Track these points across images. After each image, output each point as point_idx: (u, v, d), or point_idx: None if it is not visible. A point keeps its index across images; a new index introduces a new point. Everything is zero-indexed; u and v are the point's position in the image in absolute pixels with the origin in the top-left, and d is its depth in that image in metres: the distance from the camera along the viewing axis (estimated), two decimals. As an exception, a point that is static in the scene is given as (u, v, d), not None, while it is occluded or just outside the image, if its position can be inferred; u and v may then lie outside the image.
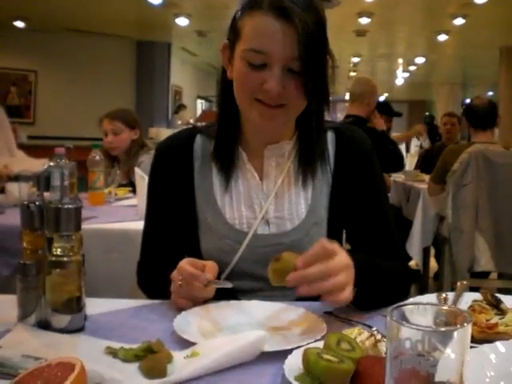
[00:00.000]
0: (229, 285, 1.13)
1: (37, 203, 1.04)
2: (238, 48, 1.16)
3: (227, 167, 1.30)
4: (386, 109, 5.06)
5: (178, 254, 1.24)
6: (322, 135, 1.31)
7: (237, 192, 1.30)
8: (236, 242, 1.26)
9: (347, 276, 1.02)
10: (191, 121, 9.44)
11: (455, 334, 0.54)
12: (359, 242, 1.34)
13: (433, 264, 4.73)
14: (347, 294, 1.01)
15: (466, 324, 0.55)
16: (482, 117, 3.63)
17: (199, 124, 1.44)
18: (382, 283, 1.17)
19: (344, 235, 1.40)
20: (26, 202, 1.04)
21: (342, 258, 1.02)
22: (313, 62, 1.12)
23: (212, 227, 1.28)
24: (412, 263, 4.27)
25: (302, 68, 1.12)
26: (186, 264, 1.11)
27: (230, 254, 1.26)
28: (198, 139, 1.35)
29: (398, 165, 4.17)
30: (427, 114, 16.68)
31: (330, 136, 1.34)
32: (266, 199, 1.29)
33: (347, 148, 1.33)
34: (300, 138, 1.31)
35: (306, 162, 1.29)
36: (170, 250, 1.33)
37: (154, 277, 1.32)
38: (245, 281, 1.27)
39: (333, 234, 1.30)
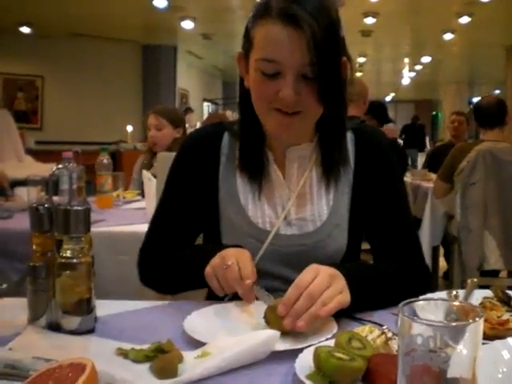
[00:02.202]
0: (269, 300, 1.08)
1: (46, 205, 1.04)
2: (252, 58, 1.17)
3: (254, 169, 1.29)
4: (379, 113, 4.55)
5: (190, 243, 1.36)
6: (342, 137, 1.30)
7: (260, 191, 1.29)
8: (258, 240, 1.26)
9: (333, 286, 1.01)
10: (198, 124, 9.43)
11: (467, 329, 0.54)
12: (378, 243, 1.34)
13: (442, 263, 4.71)
14: (344, 297, 1.02)
15: (477, 319, 0.54)
16: (488, 115, 3.60)
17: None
18: (379, 286, 1.16)
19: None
20: (34, 205, 1.04)
21: (323, 274, 1.02)
22: (325, 67, 1.11)
23: (235, 224, 1.28)
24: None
25: (315, 74, 1.11)
26: (248, 258, 1.12)
27: (251, 251, 1.25)
28: (226, 136, 1.35)
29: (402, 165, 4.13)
30: (434, 113, 16.59)
31: (350, 136, 1.33)
32: (289, 200, 1.28)
33: (367, 148, 1.32)
34: (320, 140, 1.30)
35: (328, 164, 1.29)
36: (182, 239, 1.34)
37: (163, 261, 1.31)
38: (262, 279, 1.27)
39: (353, 235, 1.30)
